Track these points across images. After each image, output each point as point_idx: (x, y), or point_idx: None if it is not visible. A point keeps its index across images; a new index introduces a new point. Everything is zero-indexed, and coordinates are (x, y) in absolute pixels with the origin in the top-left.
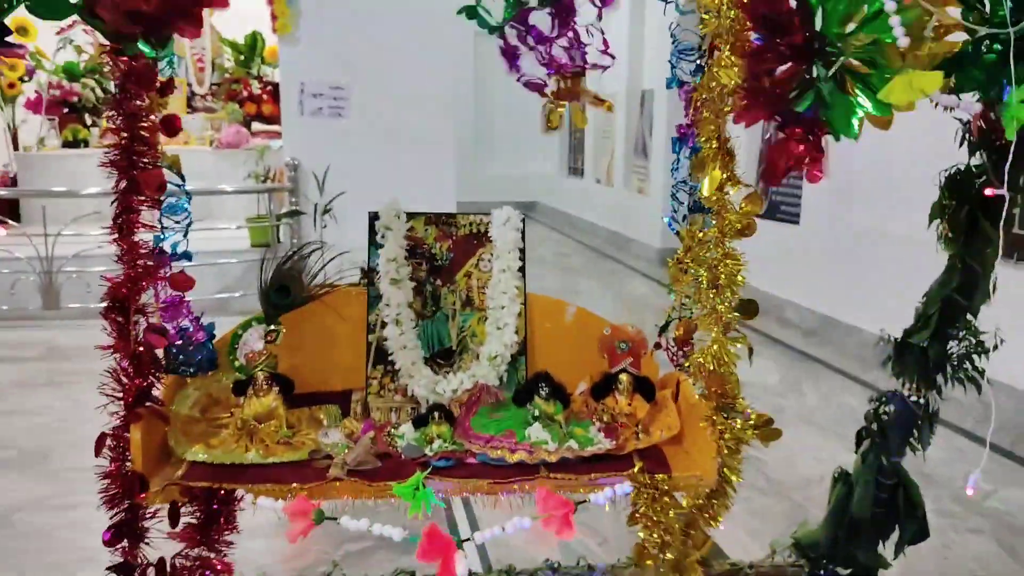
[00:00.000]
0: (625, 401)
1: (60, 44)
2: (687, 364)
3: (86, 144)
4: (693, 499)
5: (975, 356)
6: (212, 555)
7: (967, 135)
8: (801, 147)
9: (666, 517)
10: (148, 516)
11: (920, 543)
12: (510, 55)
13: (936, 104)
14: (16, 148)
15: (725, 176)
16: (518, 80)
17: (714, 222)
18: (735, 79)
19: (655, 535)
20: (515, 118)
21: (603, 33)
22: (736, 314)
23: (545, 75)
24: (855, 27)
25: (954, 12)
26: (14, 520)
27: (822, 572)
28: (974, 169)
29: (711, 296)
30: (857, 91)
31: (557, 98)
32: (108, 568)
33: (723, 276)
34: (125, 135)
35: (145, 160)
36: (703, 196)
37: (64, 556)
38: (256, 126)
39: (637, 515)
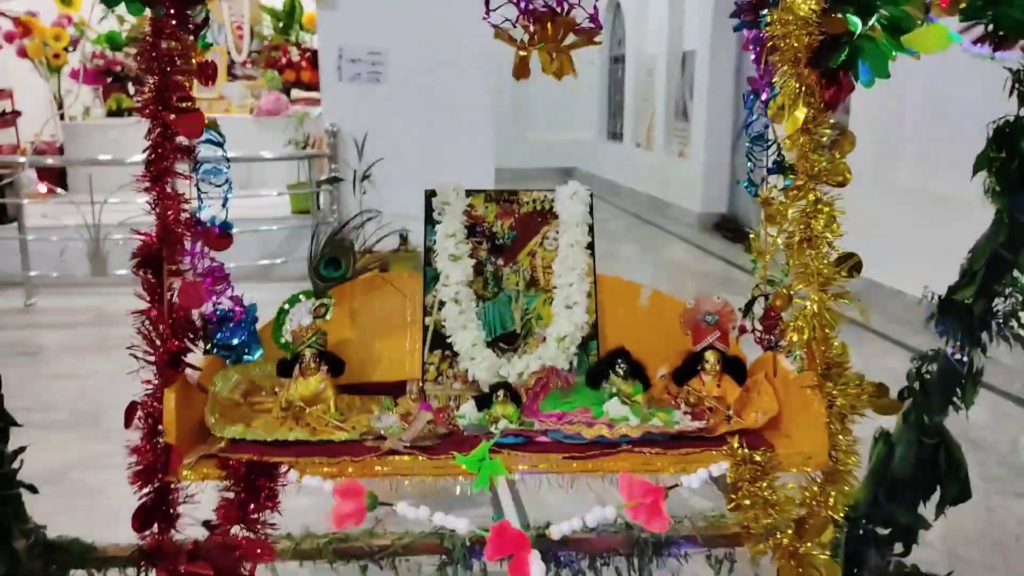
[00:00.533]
0: (713, 383)
1: (103, 14)
2: (785, 337)
3: (130, 113)
4: (806, 490)
5: (1022, 313)
6: (251, 535)
7: (1016, 84)
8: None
9: (775, 496)
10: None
11: (963, 504)
12: None
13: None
14: (62, 118)
15: (811, 114)
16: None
17: (792, 178)
18: (810, 5)
19: (761, 519)
20: (554, 83)
21: None
22: (836, 269)
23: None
24: None
25: None
26: (70, 478)
27: (861, 532)
28: (1023, 119)
29: (805, 252)
30: (885, 40)
31: (530, 44)
32: (138, 554)
33: (818, 227)
34: (157, 77)
35: (182, 104)
36: (786, 142)
37: (119, 511)
38: (295, 93)
39: (737, 498)
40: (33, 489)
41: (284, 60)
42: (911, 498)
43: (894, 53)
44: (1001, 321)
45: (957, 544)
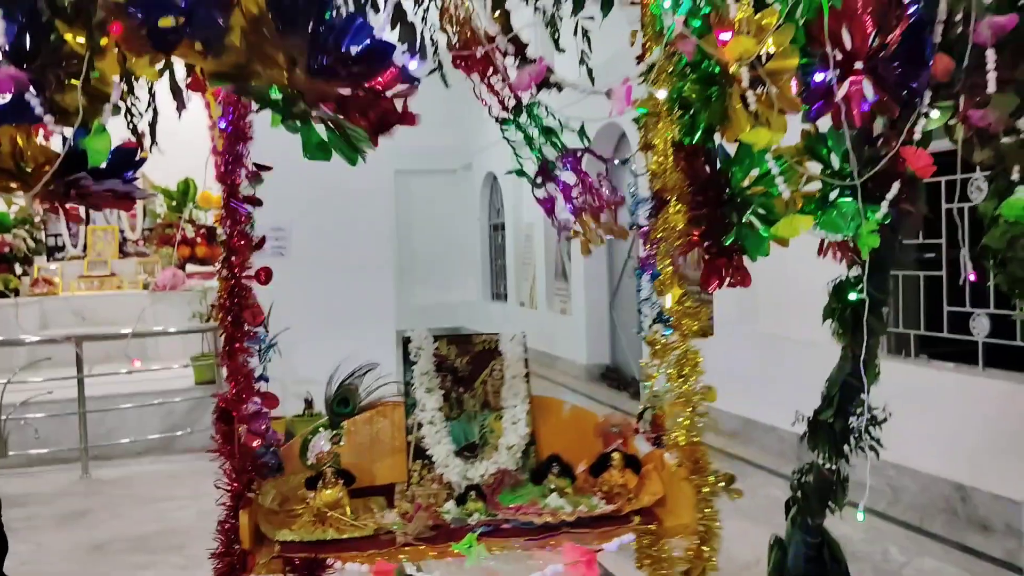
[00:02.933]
0: (619, 475)
1: None
2: (666, 441)
3: (17, 293)
4: (688, 549)
5: (871, 428)
6: None
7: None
8: (725, 268)
9: (665, 553)
10: None
11: None
12: (547, 206)
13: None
14: None
15: (683, 292)
16: (553, 225)
17: (673, 329)
18: (682, 222)
19: (659, 571)
20: (437, 250)
21: (609, 180)
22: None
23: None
24: (751, 182)
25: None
26: None
27: None
28: (851, 279)
29: (679, 383)
30: (759, 228)
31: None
32: None
33: (687, 367)
34: (232, 280)
35: (248, 301)
36: (666, 309)
37: None
38: (190, 268)
39: (642, 557)
40: None
41: (180, 237)
42: None
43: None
44: (857, 436)
45: None
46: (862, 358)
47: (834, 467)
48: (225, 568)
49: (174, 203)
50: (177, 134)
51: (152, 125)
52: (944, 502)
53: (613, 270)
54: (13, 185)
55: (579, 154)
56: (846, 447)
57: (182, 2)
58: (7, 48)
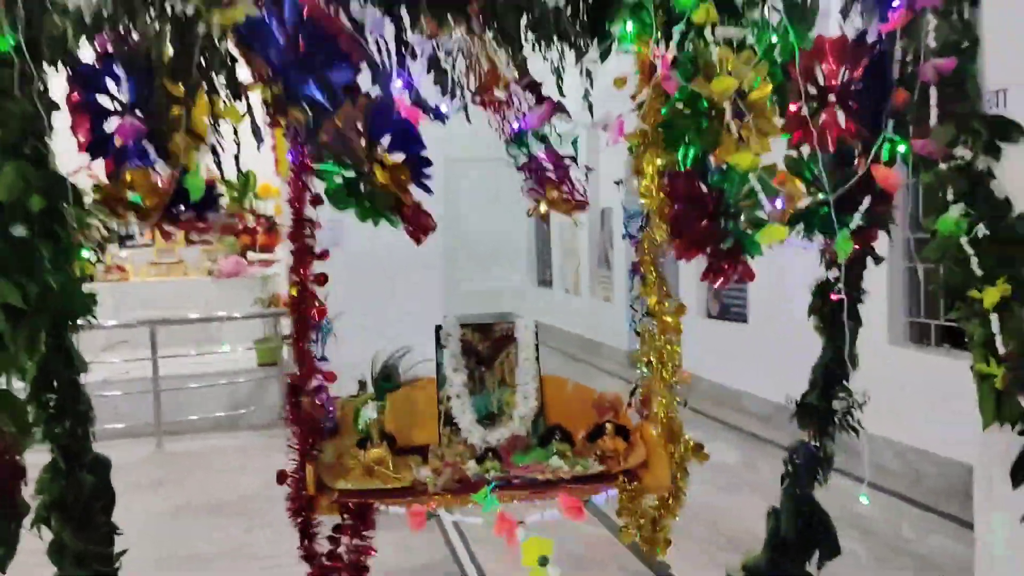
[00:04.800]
0: (611, 441)
1: None
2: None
3: (92, 279)
4: (659, 501)
5: (852, 411)
6: (361, 543)
7: (823, 259)
8: (729, 268)
9: (640, 508)
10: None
11: (831, 559)
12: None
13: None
14: None
15: (661, 293)
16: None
17: (656, 324)
18: (664, 236)
19: (633, 520)
20: (486, 237)
21: (587, 176)
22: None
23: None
24: (743, 196)
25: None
26: None
27: None
28: (831, 279)
29: (660, 369)
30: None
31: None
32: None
33: (665, 355)
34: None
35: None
36: (649, 308)
37: None
38: (251, 256)
39: (622, 508)
40: None
41: (241, 226)
42: (797, 556)
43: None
44: (840, 417)
45: None
46: (844, 348)
47: (818, 444)
48: (296, 508)
49: (236, 194)
50: (239, 131)
51: (236, 158)
52: (961, 485)
53: None
54: (132, 215)
55: (565, 160)
56: (830, 428)
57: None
58: (129, 103)
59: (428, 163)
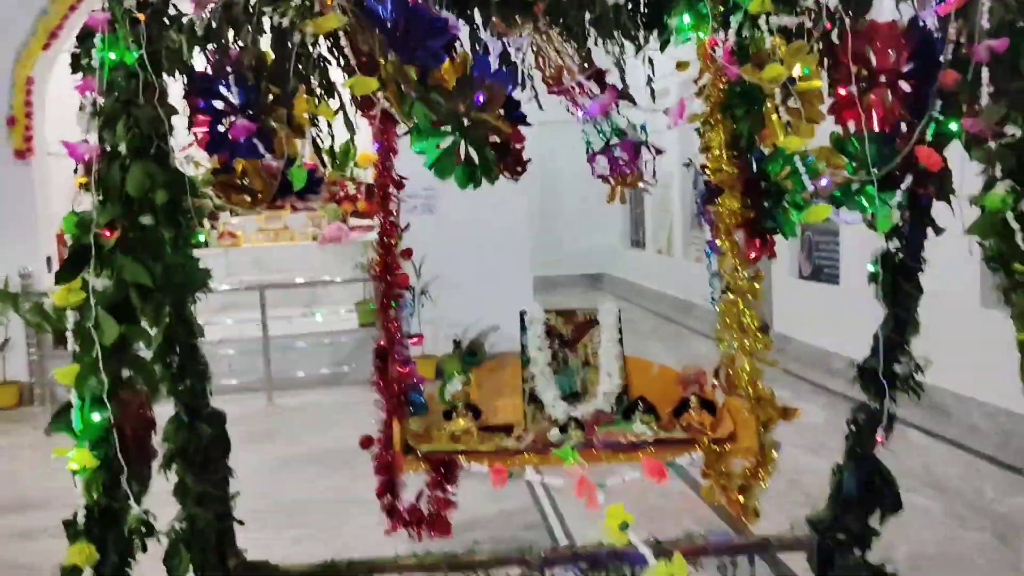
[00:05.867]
0: (696, 415)
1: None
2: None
3: (207, 244)
4: (747, 467)
5: (914, 375)
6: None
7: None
8: (761, 244)
9: (727, 468)
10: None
11: (928, 534)
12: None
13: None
14: None
15: (738, 265)
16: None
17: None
18: (737, 208)
19: (718, 481)
20: (579, 197)
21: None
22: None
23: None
24: (784, 177)
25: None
26: None
27: (827, 540)
28: (892, 249)
29: (741, 337)
30: (792, 213)
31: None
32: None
33: (746, 325)
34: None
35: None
36: (727, 280)
37: None
38: (352, 221)
39: (707, 467)
40: (240, 522)
41: (342, 193)
42: (860, 512)
43: (796, 221)
44: (902, 380)
45: (920, 562)
46: (905, 316)
47: (878, 406)
48: (382, 463)
49: (337, 163)
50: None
51: (331, 149)
52: None
53: None
54: (247, 198)
55: (635, 144)
56: (890, 390)
57: None
58: (239, 105)
59: (523, 118)
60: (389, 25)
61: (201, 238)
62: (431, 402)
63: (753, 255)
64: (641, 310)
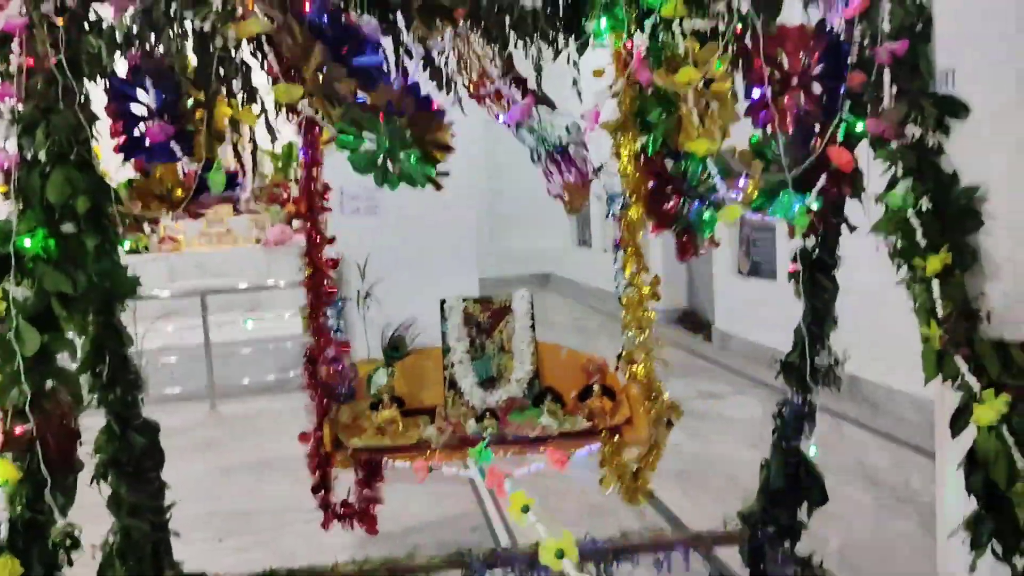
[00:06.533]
0: (598, 401)
1: None
2: (631, 376)
3: (147, 250)
4: (640, 454)
5: (833, 368)
6: (371, 492)
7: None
8: (688, 244)
9: (621, 459)
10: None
11: (857, 522)
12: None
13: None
14: None
15: (638, 267)
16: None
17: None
18: (639, 214)
19: (614, 471)
20: (526, 197)
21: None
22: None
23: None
24: (704, 178)
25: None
26: None
27: (758, 532)
28: (808, 247)
29: (640, 334)
30: (707, 214)
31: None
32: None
33: (643, 322)
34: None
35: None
36: (629, 279)
37: None
38: (296, 223)
39: (604, 460)
40: (176, 533)
41: (285, 196)
42: (788, 505)
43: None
44: (822, 373)
45: (848, 552)
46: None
47: (802, 400)
48: (314, 464)
49: (280, 165)
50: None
51: (253, 154)
52: None
53: None
54: (162, 204)
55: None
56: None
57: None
58: (156, 108)
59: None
60: (327, 37)
61: (127, 245)
62: (360, 393)
63: (687, 255)
64: (587, 309)
